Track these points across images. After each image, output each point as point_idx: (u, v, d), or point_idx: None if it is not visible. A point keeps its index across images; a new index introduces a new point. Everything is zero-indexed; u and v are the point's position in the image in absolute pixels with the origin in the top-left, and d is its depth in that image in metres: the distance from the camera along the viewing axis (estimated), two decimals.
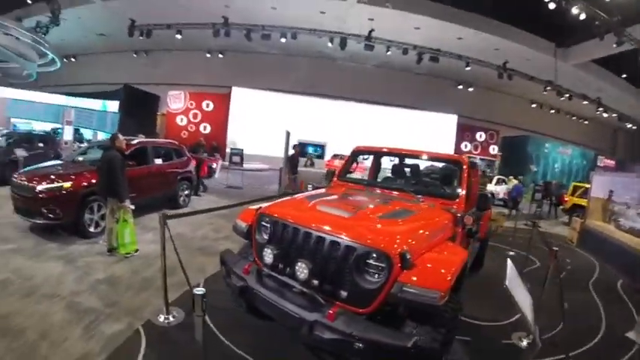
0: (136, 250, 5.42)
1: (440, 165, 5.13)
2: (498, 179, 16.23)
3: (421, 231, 2.91)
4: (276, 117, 22.41)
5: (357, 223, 2.78)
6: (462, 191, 3.88)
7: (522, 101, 24.19)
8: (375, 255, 2.47)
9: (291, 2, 14.83)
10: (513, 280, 2.53)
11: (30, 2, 15.75)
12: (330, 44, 16.56)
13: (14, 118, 18.97)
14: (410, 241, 2.62)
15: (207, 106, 23.56)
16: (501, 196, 15.10)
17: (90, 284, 4.21)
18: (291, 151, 12.01)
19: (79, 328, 3.26)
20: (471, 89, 22.23)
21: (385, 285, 2.40)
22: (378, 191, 4.17)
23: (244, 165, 14.70)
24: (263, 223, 3.09)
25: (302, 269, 2.61)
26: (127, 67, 24.53)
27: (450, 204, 3.72)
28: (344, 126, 22.51)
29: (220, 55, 22.27)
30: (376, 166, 5.50)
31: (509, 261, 2.69)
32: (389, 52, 16.65)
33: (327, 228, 2.69)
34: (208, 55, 22.01)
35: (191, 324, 2.63)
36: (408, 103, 22.71)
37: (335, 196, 3.69)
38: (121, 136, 5.85)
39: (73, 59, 25.74)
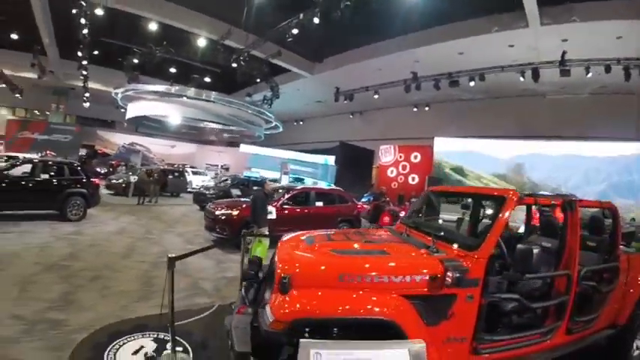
0: None
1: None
2: None
3: (353, 270, 2.86)
4: (483, 163, 22.58)
5: (301, 251, 3.35)
6: (486, 240, 3.18)
7: None
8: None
9: (478, 43, 15.32)
10: None
11: (258, 81, 21.84)
12: (522, 78, 16.14)
13: (254, 168, 26.15)
14: (311, 271, 2.89)
15: (415, 157, 25.55)
16: None
17: (217, 277, 6.63)
18: None
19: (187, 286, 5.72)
20: None
21: None
22: (407, 234, 4.03)
23: None
24: None
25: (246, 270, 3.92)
26: (345, 127, 29.82)
27: (464, 256, 3.11)
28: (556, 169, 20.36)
29: (427, 108, 24.36)
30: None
31: None
32: (589, 74, 14.91)
33: (281, 250, 3.53)
34: (415, 109, 24.54)
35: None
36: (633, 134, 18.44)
37: (341, 233, 4.39)
38: (269, 183, 8.62)
39: (301, 122, 33.83)
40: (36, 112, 33.57)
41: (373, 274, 2.82)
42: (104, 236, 8.92)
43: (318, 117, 32.17)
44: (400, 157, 26.08)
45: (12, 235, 7.89)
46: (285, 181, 21.08)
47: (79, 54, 18.13)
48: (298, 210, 10.27)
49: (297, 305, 2.62)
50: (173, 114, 22.73)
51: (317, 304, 2.63)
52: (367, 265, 2.92)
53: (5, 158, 13.52)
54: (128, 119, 25.37)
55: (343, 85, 22.14)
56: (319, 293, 2.69)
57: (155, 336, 4.12)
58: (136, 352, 3.84)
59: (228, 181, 18.07)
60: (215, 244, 5.78)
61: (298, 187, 11.35)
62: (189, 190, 20.69)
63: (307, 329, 2.57)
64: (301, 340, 2.39)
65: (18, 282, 5.32)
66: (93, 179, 11.08)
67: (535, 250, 3.47)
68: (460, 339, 2.94)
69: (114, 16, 16.06)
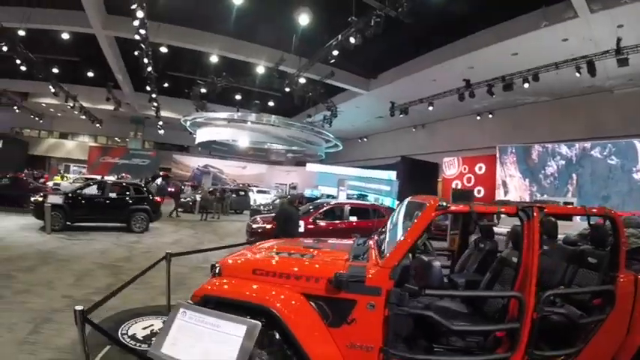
0: None
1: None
2: None
3: (264, 267, 3.39)
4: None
5: (249, 250, 4.20)
6: (393, 249, 3.23)
7: None
8: None
9: (530, 41, 14.99)
10: None
11: (319, 102, 23.33)
12: (577, 74, 15.17)
13: (321, 186, 27.71)
14: (234, 264, 3.59)
15: (480, 169, 25.15)
16: None
17: None
18: None
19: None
20: None
21: None
22: (363, 243, 4.35)
23: None
24: None
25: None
26: (409, 141, 30.25)
27: (376, 264, 3.25)
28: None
29: (490, 116, 24.16)
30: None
31: None
32: None
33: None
34: (478, 118, 24.45)
35: None
36: None
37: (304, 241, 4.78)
38: (296, 199, 9.76)
39: (365, 139, 34.91)
40: (117, 139, 39.38)
41: (279, 271, 3.29)
42: (159, 245, 10.65)
43: (381, 132, 32.95)
44: (464, 169, 25.85)
45: (81, 242, 9.93)
46: (343, 197, 22.16)
47: (148, 88, 21.09)
48: (330, 224, 11.06)
49: (211, 286, 3.31)
50: (237, 137, 25.24)
51: (224, 287, 3.32)
52: (278, 264, 3.46)
53: (84, 180, 16.34)
54: (198, 144, 28.65)
55: (401, 98, 22.59)
56: (233, 281, 3.37)
57: (165, 319, 5.38)
58: (145, 328, 5.05)
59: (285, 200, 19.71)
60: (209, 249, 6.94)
61: (332, 203, 12.34)
62: (251, 207, 22.62)
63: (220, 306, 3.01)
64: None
65: (76, 274, 7.00)
66: (156, 198, 13.14)
67: (437, 264, 3.27)
68: (365, 347, 3.02)
69: (178, 53, 18.69)
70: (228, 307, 2.88)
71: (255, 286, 3.19)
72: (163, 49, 17.24)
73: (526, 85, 16.99)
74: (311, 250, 3.92)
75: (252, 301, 3.04)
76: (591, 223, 3.99)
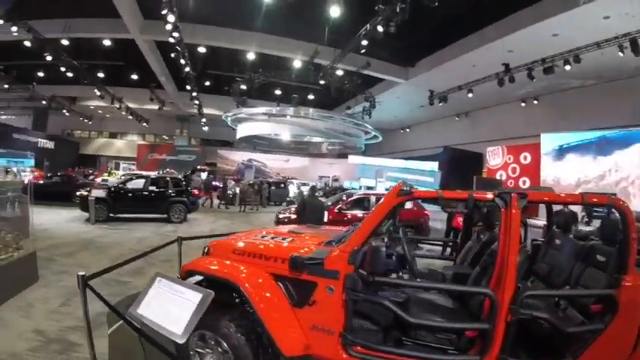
0: None
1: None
2: None
3: (242, 248, 3.66)
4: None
5: (243, 234, 4.56)
6: (352, 234, 3.31)
7: None
8: None
9: (571, 20, 14.27)
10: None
11: (357, 94, 23.60)
12: (620, 54, 14.41)
13: (363, 178, 27.93)
14: (219, 246, 3.88)
15: (525, 158, 24.17)
16: None
17: None
18: None
19: None
20: None
21: None
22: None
23: None
24: None
25: None
26: (451, 130, 29.68)
27: (337, 249, 3.24)
28: None
29: (535, 102, 23.29)
30: None
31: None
32: None
33: None
34: (523, 104, 23.65)
35: None
36: None
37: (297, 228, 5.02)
38: (318, 191, 10.18)
39: (407, 129, 34.72)
40: (164, 137, 42.03)
41: (252, 252, 3.51)
42: (194, 234, 11.37)
43: (424, 122, 32.70)
44: (509, 158, 24.90)
45: (121, 231, 10.85)
46: (381, 189, 22.28)
47: (188, 87, 22.19)
48: (356, 215, 11.21)
49: (196, 263, 3.65)
50: (276, 131, 26.04)
51: (204, 265, 3.61)
52: (253, 246, 3.66)
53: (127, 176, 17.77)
54: (239, 139, 29.78)
55: (440, 86, 22.29)
56: (214, 260, 3.68)
57: None
58: None
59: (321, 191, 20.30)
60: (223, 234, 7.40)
61: (359, 193, 12.64)
62: (287, 199, 23.44)
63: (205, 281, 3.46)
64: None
65: (111, 258, 7.75)
66: (193, 190, 14.01)
67: (383, 250, 3.37)
68: (327, 330, 3.04)
69: (215, 52, 19.60)
70: (218, 285, 3.19)
71: (229, 265, 3.48)
72: (201, 49, 18.13)
73: (567, 68, 16.26)
74: (294, 234, 4.13)
75: (221, 277, 3.32)
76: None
